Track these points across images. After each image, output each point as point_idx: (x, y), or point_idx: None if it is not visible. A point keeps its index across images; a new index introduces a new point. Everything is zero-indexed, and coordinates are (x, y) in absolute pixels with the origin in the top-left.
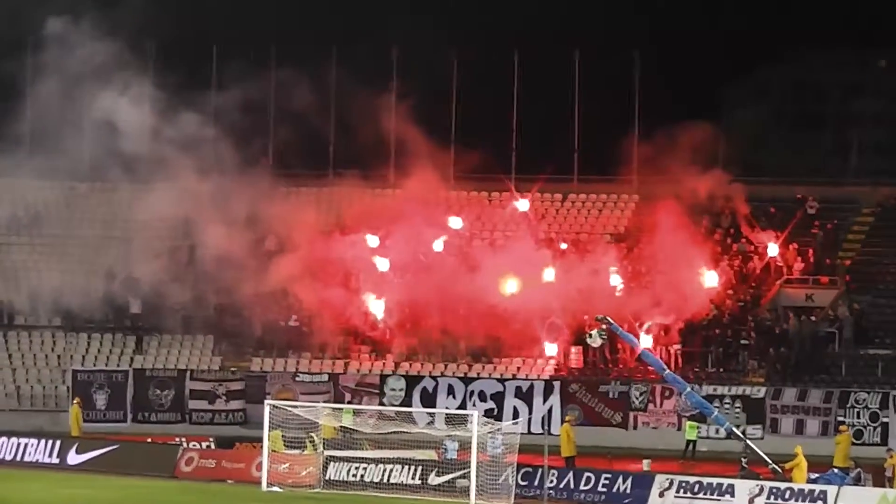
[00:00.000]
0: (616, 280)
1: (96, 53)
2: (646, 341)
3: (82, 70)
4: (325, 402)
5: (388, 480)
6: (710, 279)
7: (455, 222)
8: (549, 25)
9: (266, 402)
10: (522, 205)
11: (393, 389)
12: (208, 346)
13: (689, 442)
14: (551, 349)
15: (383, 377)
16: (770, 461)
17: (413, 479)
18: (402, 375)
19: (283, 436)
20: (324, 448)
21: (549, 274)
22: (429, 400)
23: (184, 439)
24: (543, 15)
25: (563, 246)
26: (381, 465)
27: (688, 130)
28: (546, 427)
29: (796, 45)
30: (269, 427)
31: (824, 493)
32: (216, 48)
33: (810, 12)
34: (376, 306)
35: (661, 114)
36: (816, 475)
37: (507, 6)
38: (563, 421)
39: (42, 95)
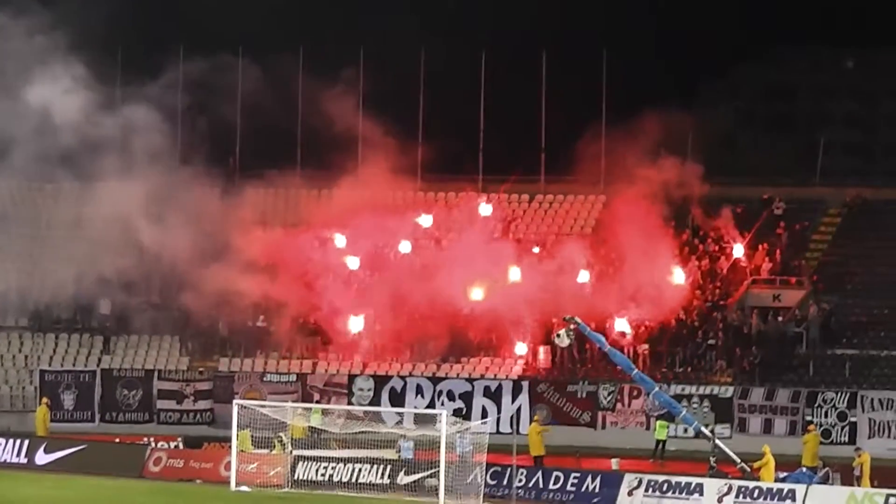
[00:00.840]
0: (584, 280)
1: (61, 53)
2: (621, 325)
3: (46, 69)
4: (293, 402)
5: (357, 480)
6: (679, 277)
7: (423, 222)
8: (517, 25)
9: (234, 401)
10: (485, 209)
11: (361, 389)
12: (175, 347)
13: (658, 441)
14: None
15: (351, 377)
16: (738, 460)
17: (382, 478)
18: (371, 375)
19: (251, 435)
20: (292, 448)
21: (515, 274)
22: (397, 399)
23: (152, 439)
24: (511, 15)
25: (536, 250)
26: (349, 465)
27: (655, 131)
28: (514, 426)
29: (764, 47)
30: (238, 427)
31: (793, 491)
32: (183, 46)
33: (778, 14)
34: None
35: (629, 114)
36: (785, 474)
37: (474, 6)
38: (531, 421)
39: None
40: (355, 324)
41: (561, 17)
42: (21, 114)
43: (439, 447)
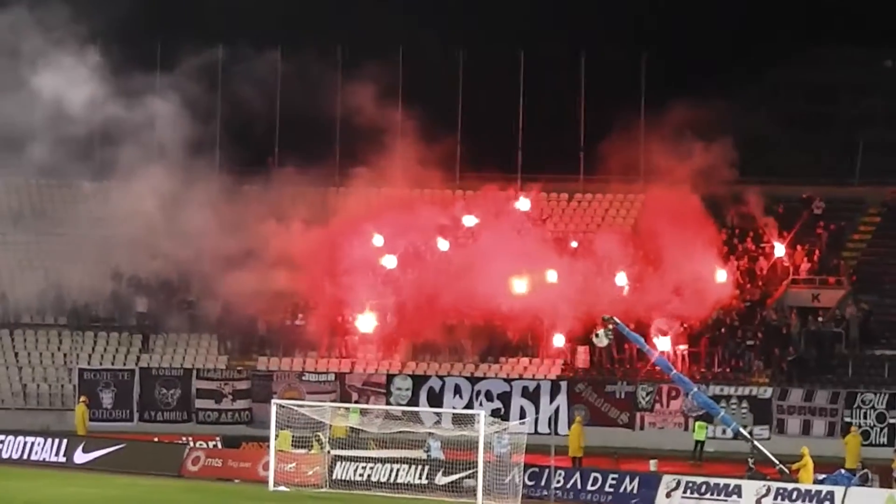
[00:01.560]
0: (622, 280)
1: (95, 50)
2: (662, 344)
3: (78, 66)
4: (331, 401)
5: (395, 480)
6: (721, 277)
7: (461, 221)
8: (557, 25)
9: (273, 401)
10: (523, 204)
11: (399, 389)
12: (214, 345)
13: (697, 442)
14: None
15: (390, 377)
16: (777, 462)
17: (420, 478)
18: (409, 375)
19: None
20: (330, 448)
21: (552, 275)
22: (435, 399)
23: (190, 438)
24: (551, 14)
25: (574, 244)
26: (387, 465)
27: (694, 130)
28: (553, 427)
29: (803, 46)
30: (277, 427)
31: (831, 493)
32: (222, 49)
33: (817, 12)
34: (369, 317)
35: (668, 113)
36: (823, 476)
37: (513, 5)
38: (571, 421)
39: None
40: (365, 323)
41: (600, 16)
42: (55, 111)
43: (477, 447)
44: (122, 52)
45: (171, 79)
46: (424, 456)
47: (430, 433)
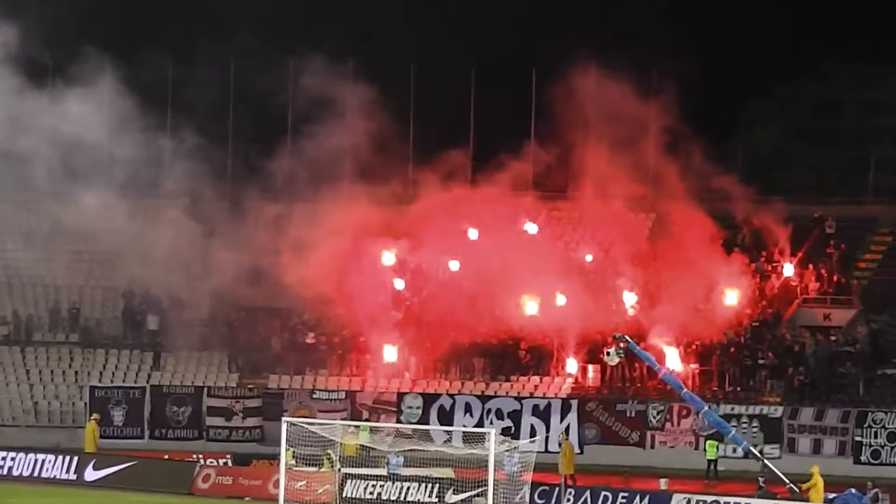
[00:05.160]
0: (633, 298)
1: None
2: (673, 362)
3: (105, 87)
4: (342, 419)
5: (405, 498)
6: (730, 298)
7: (472, 236)
8: (566, 41)
9: (283, 419)
10: (531, 228)
11: (410, 407)
12: (225, 363)
13: (710, 461)
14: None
15: (400, 395)
16: (787, 481)
17: (430, 496)
18: (420, 393)
19: (294, 453)
20: (341, 465)
21: (561, 299)
22: (446, 418)
23: (201, 456)
24: (561, 31)
25: (589, 258)
26: (398, 483)
27: (705, 149)
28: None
29: (814, 63)
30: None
31: None
32: (233, 63)
33: (828, 29)
34: (392, 349)
35: (678, 132)
36: (834, 495)
37: (523, 23)
38: (582, 440)
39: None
40: (390, 353)
41: (609, 32)
42: (69, 129)
43: (488, 466)
44: (134, 68)
45: (188, 102)
46: (385, 472)
47: (394, 452)
